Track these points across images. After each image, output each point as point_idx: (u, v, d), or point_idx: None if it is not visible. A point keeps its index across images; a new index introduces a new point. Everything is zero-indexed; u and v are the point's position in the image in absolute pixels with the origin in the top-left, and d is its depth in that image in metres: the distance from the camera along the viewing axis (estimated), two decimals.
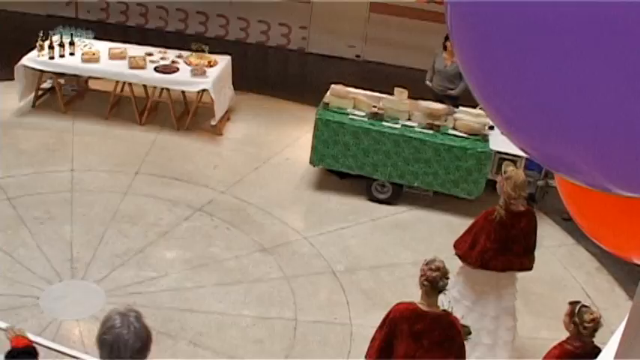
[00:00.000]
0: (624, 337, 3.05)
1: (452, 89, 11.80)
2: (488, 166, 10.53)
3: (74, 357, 6.58)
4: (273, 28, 16.65)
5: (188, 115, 12.66)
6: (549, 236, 10.76)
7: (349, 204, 10.99)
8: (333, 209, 10.81)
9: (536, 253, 10.36)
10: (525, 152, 2.28)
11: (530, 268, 7.72)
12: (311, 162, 11.13)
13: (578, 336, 6.08)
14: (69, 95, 12.98)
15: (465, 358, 6.19)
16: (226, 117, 12.94)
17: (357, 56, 16.48)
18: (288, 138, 12.61)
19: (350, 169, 10.96)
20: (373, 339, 6.31)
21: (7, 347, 5.21)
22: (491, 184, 10.96)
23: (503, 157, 10.58)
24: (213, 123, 12.36)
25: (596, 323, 6.07)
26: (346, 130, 10.74)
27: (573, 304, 6.24)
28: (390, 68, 15.62)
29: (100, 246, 9.49)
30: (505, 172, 7.42)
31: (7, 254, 9.15)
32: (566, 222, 10.85)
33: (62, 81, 12.84)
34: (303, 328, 8.54)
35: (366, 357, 6.45)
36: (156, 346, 7.97)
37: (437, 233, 10.30)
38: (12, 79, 12.31)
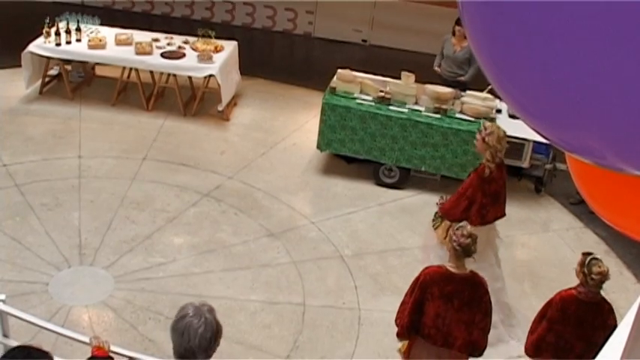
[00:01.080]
0: (631, 335, 3.06)
1: (461, 75, 11.72)
2: None
3: (85, 343, 6.60)
4: (280, 13, 16.61)
5: (195, 101, 12.66)
6: (557, 219, 10.77)
7: (356, 189, 10.99)
8: (341, 194, 10.81)
9: (545, 236, 10.39)
10: (538, 133, 2.27)
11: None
12: (318, 147, 11.12)
13: (586, 285, 6.51)
14: (76, 82, 12.99)
15: (491, 314, 6.66)
16: (233, 102, 12.93)
17: (364, 41, 16.44)
18: (295, 123, 12.61)
19: (357, 153, 10.96)
20: (403, 304, 6.76)
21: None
22: None
23: (510, 141, 10.58)
24: (220, 108, 12.35)
25: (602, 276, 6.45)
26: (353, 114, 10.73)
27: (585, 254, 6.62)
28: (397, 52, 15.58)
29: (108, 232, 9.51)
30: (485, 129, 7.92)
31: (15, 241, 9.18)
32: (574, 205, 10.85)
33: (69, 67, 12.86)
34: (311, 313, 8.56)
35: (396, 321, 6.78)
36: (164, 332, 8.02)
37: None
38: (19, 66, 12.30)
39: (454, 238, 6.43)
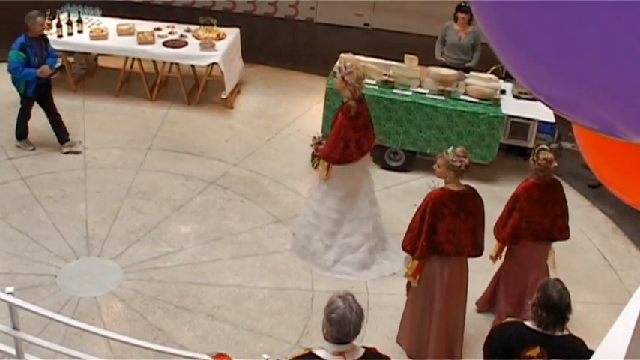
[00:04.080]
0: (635, 336, 3.06)
1: (468, 61, 11.68)
2: (500, 130, 10.49)
3: (95, 333, 6.61)
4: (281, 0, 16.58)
5: (198, 90, 12.65)
6: None
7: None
8: None
9: None
10: (548, 104, 2.28)
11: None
12: (323, 132, 11.10)
13: (541, 171, 7.68)
14: (78, 73, 12.98)
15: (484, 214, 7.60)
16: (237, 90, 12.91)
17: (366, 25, 16.39)
18: (299, 109, 12.59)
19: None
20: (411, 230, 7.49)
21: None
22: (503, 149, 10.97)
23: (515, 121, 10.56)
24: (223, 96, 12.34)
25: (548, 161, 7.65)
26: None
27: (535, 147, 7.96)
28: (399, 36, 15.51)
29: (115, 223, 9.53)
30: (346, 68, 8.38)
31: (23, 233, 9.20)
32: (591, 188, 10.86)
33: (71, 59, 12.83)
34: (320, 298, 8.55)
35: (406, 248, 7.48)
36: (173, 321, 8.06)
37: None
38: None
39: (457, 162, 7.13)
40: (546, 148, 7.80)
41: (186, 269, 8.90)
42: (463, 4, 11.49)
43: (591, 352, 4.98)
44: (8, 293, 5.96)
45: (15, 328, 6.11)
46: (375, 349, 4.90)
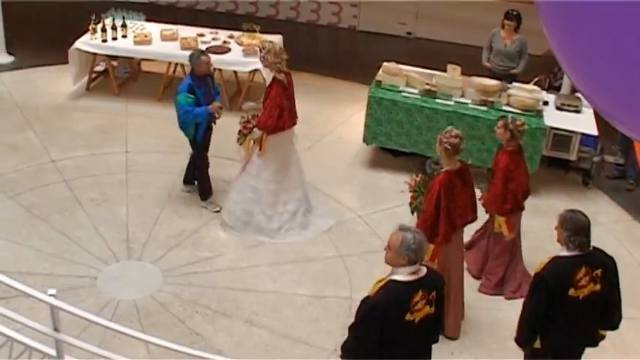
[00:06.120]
0: None
1: (513, 68, 11.64)
2: (542, 142, 10.40)
3: (133, 336, 6.64)
4: (324, 7, 16.58)
5: (240, 95, 12.68)
6: (605, 212, 10.63)
7: (403, 182, 10.94)
8: (387, 187, 10.77)
9: (592, 229, 10.23)
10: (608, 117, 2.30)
11: None
12: (364, 140, 11.10)
13: (514, 139, 8.31)
14: (122, 77, 13.09)
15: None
16: None
17: (409, 33, 16.36)
18: (341, 116, 12.58)
19: (403, 146, 10.92)
20: (426, 220, 7.67)
21: None
22: (545, 160, 10.88)
23: (557, 133, 10.48)
24: None
25: (524, 125, 8.40)
26: (399, 107, 10.69)
27: (502, 117, 8.50)
28: (442, 45, 15.47)
29: (155, 227, 9.58)
30: (264, 49, 9.23)
31: (64, 235, 9.28)
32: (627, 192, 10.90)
33: (115, 63, 12.95)
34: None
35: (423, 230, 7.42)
36: (211, 326, 8.06)
37: None
38: (66, 62, 12.43)
39: (444, 140, 7.55)
40: (510, 119, 8.38)
41: (225, 275, 8.92)
42: (511, 11, 11.47)
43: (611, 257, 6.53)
44: (50, 295, 6.00)
45: (56, 329, 6.15)
46: (433, 268, 6.09)
